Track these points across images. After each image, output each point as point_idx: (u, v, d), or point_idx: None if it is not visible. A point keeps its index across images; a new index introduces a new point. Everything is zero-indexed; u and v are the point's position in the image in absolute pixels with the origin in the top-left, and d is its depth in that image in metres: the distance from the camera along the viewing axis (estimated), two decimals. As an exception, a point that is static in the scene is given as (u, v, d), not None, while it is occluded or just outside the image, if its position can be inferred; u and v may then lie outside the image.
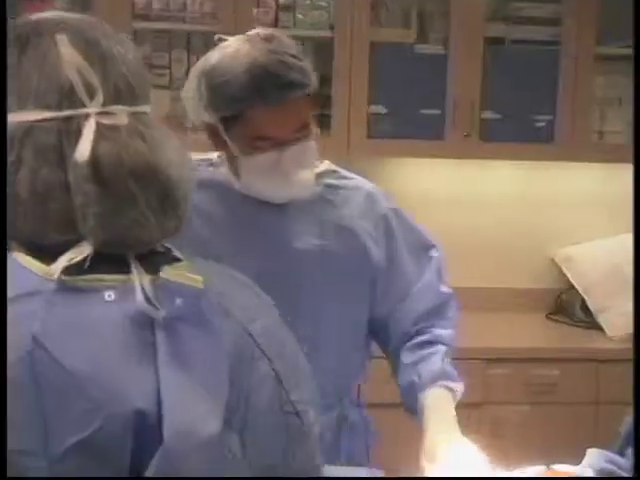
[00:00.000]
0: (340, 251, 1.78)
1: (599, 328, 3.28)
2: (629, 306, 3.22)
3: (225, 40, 1.69)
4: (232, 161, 1.70)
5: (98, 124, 0.89)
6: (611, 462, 1.43)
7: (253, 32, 1.68)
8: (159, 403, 0.81)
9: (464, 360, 2.31)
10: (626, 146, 3.36)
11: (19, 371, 0.79)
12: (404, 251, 1.85)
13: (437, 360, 1.78)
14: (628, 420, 1.51)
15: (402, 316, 1.84)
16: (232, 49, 1.64)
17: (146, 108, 0.95)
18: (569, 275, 3.46)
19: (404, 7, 3.22)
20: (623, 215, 3.56)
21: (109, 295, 0.86)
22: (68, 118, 0.89)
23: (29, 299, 0.83)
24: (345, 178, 1.86)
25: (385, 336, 1.86)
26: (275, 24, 3.13)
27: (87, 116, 0.89)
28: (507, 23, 3.23)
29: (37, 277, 0.85)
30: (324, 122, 3.14)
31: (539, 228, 3.52)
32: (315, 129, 1.70)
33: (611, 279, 3.35)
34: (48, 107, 0.89)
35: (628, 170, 3.50)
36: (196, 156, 1.80)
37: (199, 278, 0.88)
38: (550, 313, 3.47)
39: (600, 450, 1.48)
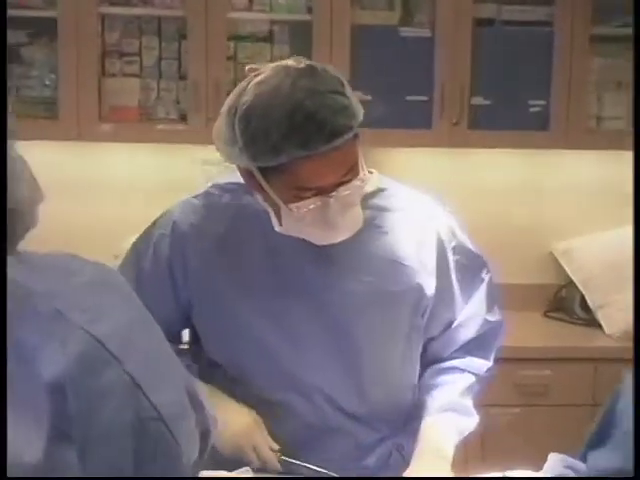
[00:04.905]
0: (393, 288, 1.72)
1: (598, 326, 3.30)
2: (629, 302, 3.24)
3: (257, 71, 1.59)
4: (272, 206, 1.64)
5: None
6: (570, 467, 1.46)
7: (290, 62, 1.58)
8: None
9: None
10: (626, 132, 3.37)
11: None
12: (454, 277, 1.79)
13: (454, 391, 1.78)
14: (595, 423, 1.53)
15: (442, 345, 1.83)
16: (268, 86, 1.54)
17: None
18: (568, 269, 3.46)
19: (387, -13, 3.23)
20: (624, 206, 3.58)
21: None
22: None
23: None
24: (393, 196, 1.78)
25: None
26: (250, 8, 3.15)
27: None
28: (497, 3, 3.23)
29: None
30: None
31: (536, 220, 3.53)
32: (362, 163, 1.61)
33: (612, 273, 3.35)
34: None
35: (629, 158, 3.52)
36: (233, 180, 1.74)
37: None
38: (548, 310, 3.48)
39: (561, 455, 1.50)
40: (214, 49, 3.08)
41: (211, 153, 3.11)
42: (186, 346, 1.85)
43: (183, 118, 3.16)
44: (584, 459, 1.49)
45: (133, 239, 1.83)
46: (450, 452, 1.73)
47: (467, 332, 1.82)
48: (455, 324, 1.82)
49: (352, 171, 1.58)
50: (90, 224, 3.28)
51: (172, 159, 3.35)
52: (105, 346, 0.89)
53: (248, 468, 1.69)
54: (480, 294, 1.83)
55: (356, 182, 1.59)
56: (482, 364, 1.84)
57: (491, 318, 1.85)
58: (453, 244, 1.79)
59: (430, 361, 1.84)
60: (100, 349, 0.88)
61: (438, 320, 1.80)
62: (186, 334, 1.85)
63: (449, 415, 1.76)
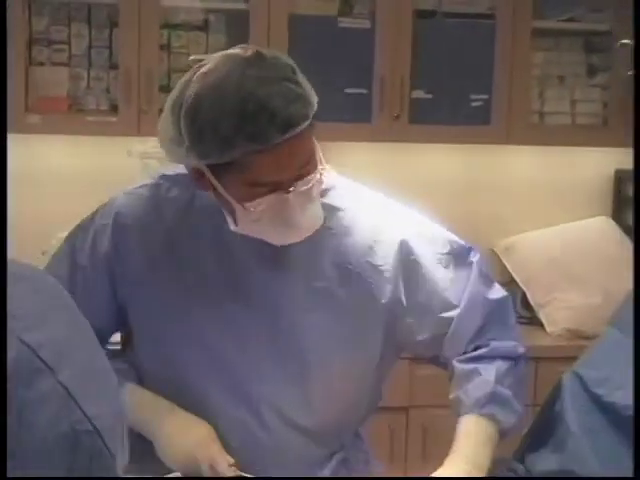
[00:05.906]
0: (341, 293, 1.64)
1: (540, 324, 3.30)
2: (570, 300, 3.26)
3: (201, 62, 1.49)
4: (225, 205, 1.54)
5: None
6: (507, 468, 1.45)
7: (236, 50, 1.50)
8: None
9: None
10: (568, 128, 3.39)
11: None
12: (435, 273, 1.67)
13: (489, 380, 1.64)
14: (532, 424, 1.53)
15: (454, 343, 1.68)
16: (215, 77, 1.45)
17: None
18: (509, 267, 3.46)
19: (326, -24, 3.19)
20: (567, 202, 3.60)
21: None
22: None
23: None
24: (343, 195, 1.69)
25: (437, 361, 1.73)
26: (184, -5, 3.11)
27: None
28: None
29: None
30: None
31: (477, 217, 3.52)
32: (320, 155, 1.53)
33: (553, 271, 3.36)
34: None
35: (571, 154, 3.55)
36: (183, 171, 1.62)
37: None
38: (489, 308, 3.48)
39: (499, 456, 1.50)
40: (146, 37, 3.02)
41: (142, 144, 3.09)
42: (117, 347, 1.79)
43: (114, 108, 3.10)
44: (521, 460, 1.48)
45: (62, 235, 1.76)
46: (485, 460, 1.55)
47: (474, 321, 1.69)
48: (457, 317, 1.68)
49: (310, 163, 1.50)
50: (16, 219, 3.20)
51: (102, 150, 3.28)
52: (38, 354, 0.86)
53: (178, 474, 1.64)
54: (474, 278, 1.70)
55: (315, 175, 1.51)
56: (510, 346, 1.69)
57: (493, 296, 1.72)
58: (420, 241, 1.69)
59: (447, 358, 1.71)
60: (32, 357, 0.85)
61: (430, 323, 1.68)
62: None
63: (487, 412, 1.62)
